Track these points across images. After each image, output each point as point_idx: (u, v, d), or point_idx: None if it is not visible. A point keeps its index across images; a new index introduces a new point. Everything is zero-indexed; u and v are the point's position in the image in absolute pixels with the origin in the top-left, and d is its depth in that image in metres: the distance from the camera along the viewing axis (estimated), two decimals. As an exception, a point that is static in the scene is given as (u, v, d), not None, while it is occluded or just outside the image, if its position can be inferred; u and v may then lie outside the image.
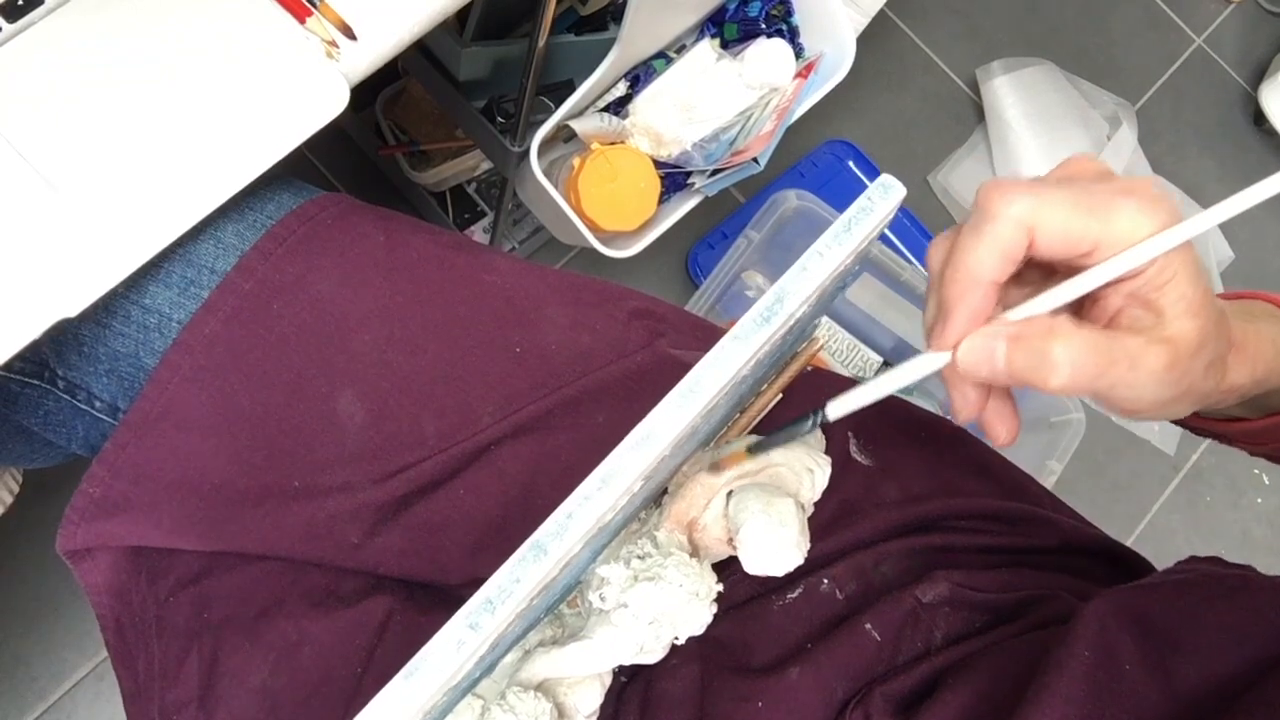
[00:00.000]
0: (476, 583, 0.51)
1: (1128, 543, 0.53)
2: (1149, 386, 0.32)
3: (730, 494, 0.43)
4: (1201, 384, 0.34)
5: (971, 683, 0.41)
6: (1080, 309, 0.35)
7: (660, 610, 0.39)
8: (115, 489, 0.49)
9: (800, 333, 0.46)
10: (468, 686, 0.36)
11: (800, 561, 0.41)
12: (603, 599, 0.39)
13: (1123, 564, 0.53)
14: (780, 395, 0.50)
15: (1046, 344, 0.32)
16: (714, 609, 0.40)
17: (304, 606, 0.50)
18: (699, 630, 0.40)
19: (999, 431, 0.37)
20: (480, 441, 0.50)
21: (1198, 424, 0.46)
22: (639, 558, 0.40)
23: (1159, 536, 1.38)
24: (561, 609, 0.42)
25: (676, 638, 0.40)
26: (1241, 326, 0.37)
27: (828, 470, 0.45)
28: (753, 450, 0.40)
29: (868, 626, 0.45)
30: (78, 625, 1.04)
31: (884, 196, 0.35)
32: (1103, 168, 0.35)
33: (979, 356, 0.33)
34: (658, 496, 0.44)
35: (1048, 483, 1.07)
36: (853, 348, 1.28)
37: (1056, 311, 0.33)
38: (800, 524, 0.41)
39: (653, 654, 0.41)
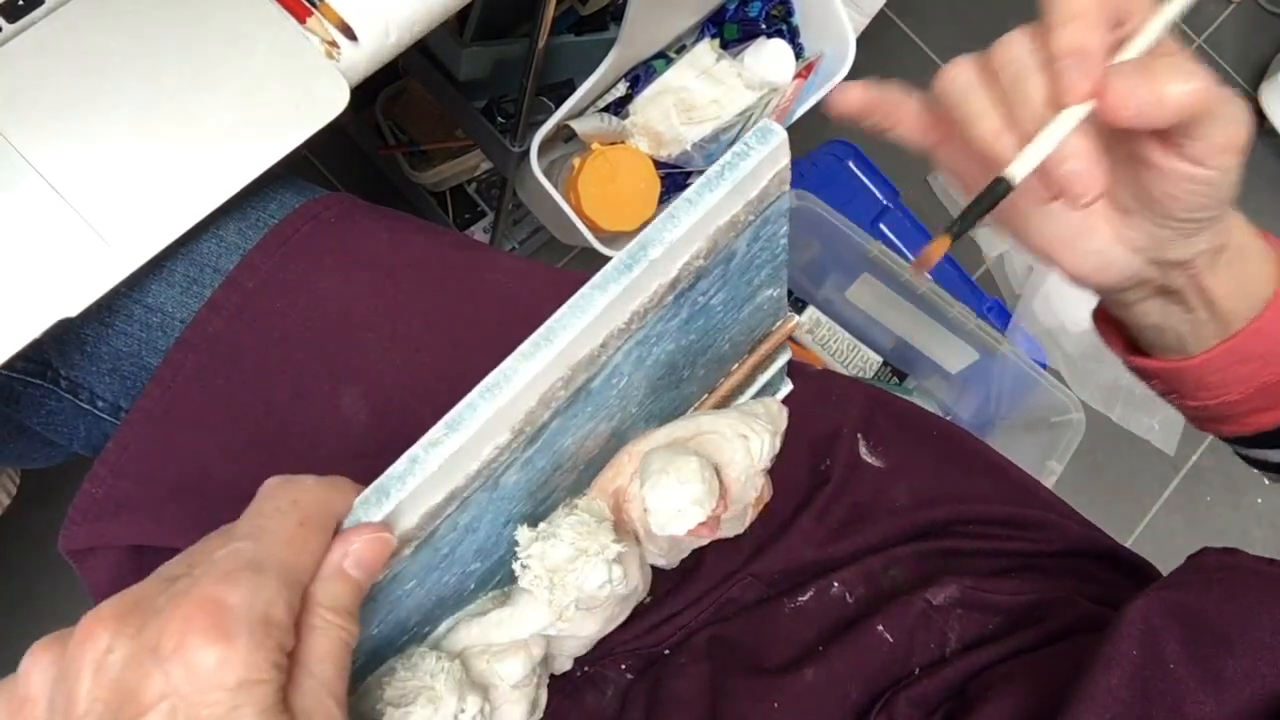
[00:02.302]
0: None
1: (1128, 543, 0.53)
2: (1233, 125, 0.34)
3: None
4: (1229, 187, 0.36)
5: (1009, 695, 0.41)
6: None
7: (552, 567, 0.38)
8: (118, 488, 0.49)
9: (770, 310, 0.45)
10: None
11: (701, 519, 0.40)
12: (523, 567, 0.39)
13: (1129, 569, 0.53)
14: (753, 373, 0.49)
15: (1179, 57, 0.33)
16: (615, 571, 0.39)
17: (306, 606, 0.50)
18: (599, 590, 0.39)
19: (1091, 181, 0.34)
20: (482, 440, 0.50)
21: (1142, 363, 0.45)
22: (547, 522, 0.40)
23: (1159, 536, 1.38)
24: (513, 585, 0.42)
25: (589, 598, 0.39)
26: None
27: (766, 437, 0.44)
28: (951, 231, 0.37)
29: (880, 628, 0.45)
30: (78, 625, 1.04)
31: (761, 141, 0.34)
32: None
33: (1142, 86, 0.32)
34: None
35: (1048, 483, 1.07)
36: (853, 347, 1.28)
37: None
38: (705, 482, 0.40)
39: (578, 622, 0.40)
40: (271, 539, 0.27)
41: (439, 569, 0.36)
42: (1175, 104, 0.32)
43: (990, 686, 0.42)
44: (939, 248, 0.37)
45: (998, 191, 0.36)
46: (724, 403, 0.48)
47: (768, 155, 0.34)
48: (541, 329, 0.32)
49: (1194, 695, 0.36)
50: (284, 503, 0.28)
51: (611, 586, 0.39)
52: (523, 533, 0.39)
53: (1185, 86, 0.32)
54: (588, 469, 0.42)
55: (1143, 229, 0.38)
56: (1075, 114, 0.34)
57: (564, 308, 0.32)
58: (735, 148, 0.34)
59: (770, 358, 0.49)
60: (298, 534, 0.28)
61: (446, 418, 0.32)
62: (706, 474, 0.40)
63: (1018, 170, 0.35)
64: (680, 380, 0.43)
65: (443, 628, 0.40)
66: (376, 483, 0.30)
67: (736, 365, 0.47)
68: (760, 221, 0.37)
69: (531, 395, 0.33)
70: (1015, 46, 0.35)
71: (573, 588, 0.38)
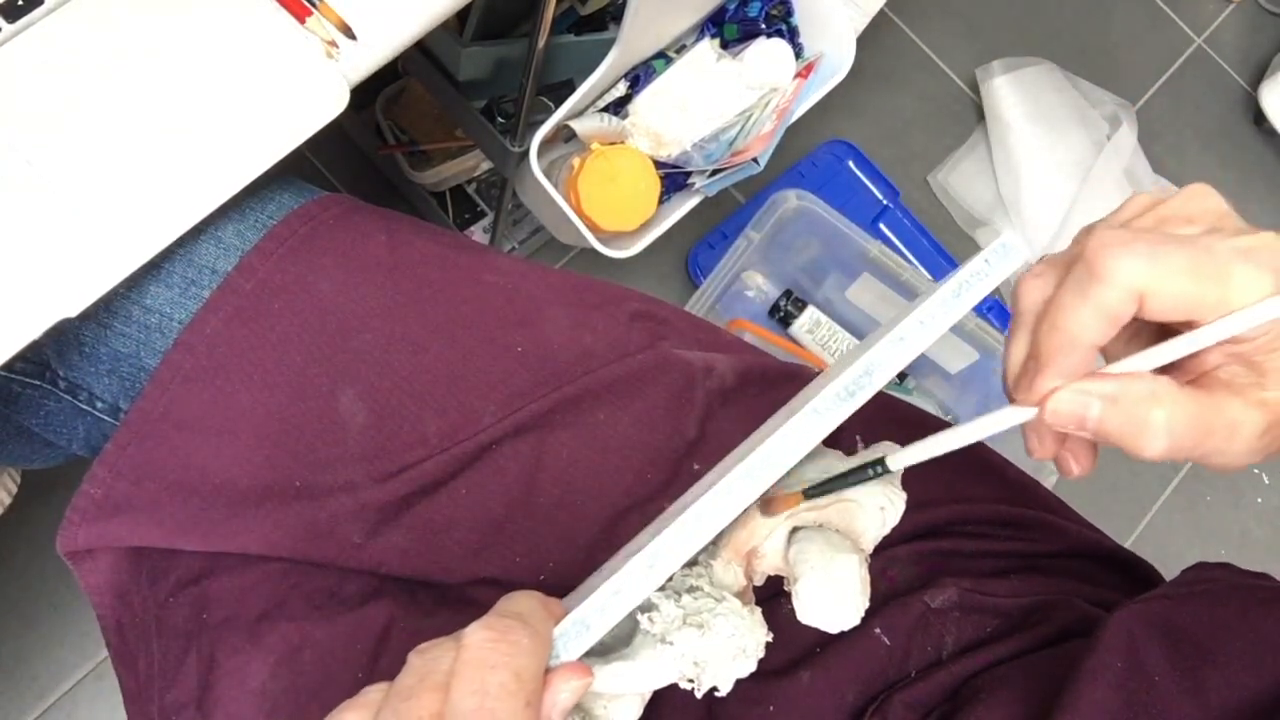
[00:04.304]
0: (479, 582, 0.51)
1: (1127, 543, 0.53)
2: (1243, 454, 0.31)
3: (795, 529, 0.41)
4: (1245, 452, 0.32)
5: (1003, 699, 0.41)
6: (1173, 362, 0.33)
7: (704, 659, 0.37)
8: (116, 489, 0.49)
9: None
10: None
11: (855, 623, 0.39)
12: (650, 621, 0.37)
13: (1129, 570, 0.53)
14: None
15: (1146, 410, 0.29)
16: (761, 653, 0.39)
17: (305, 608, 0.50)
18: (745, 675, 0.39)
19: (1072, 468, 0.34)
20: (482, 441, 0.50)
21: None
22: (690, 592, 0.39)
23: (1159, 536, 1.38)
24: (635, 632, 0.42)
25: (716, 689, 0.39)
26: None
27: (901, 506, 0.43)
28: (809, 494, 0.39)
29: (877, 631, 0.45)
30: (78, 625, 1.04)
31: (1002, 259, 0.31)
32: (1221, 208, 0.32)
33: (1070, 412, 0.30)
34: None
35: (1048, 483, 1.07)
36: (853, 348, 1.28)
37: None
38: (862, 583, 0.39)
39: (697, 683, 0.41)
40: None
41: None
42: (1092, 430, 0.30)
43: (986, 689, 0.42)
44: (789, 501, 0.39)
45: (868, 474, 0.36)
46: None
47: (1007, 274, 0.32)
48: (754, 460, 0.31)
49: (1178, 705, 0.36)
50: (508, 678, 0.28)
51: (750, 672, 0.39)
52: (663, 602, 0.38)
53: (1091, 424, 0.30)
54: None
55: None
56: (1013, 415, 0.32)
57: (777, 438, 0.31)
58: (972, 264, 0.32)
59: None
60: (526, 717, 0.28)
61: (650, 551, 0.31)
62: (863, 572, 0.40)
63: (896, 462, 0.35)
64: None
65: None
66: (577, 615, 0.30)
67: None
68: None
69: (730, 520, 0.32)
70: (1028, 297, 0.33)
71: (724, 679, 0.37)
